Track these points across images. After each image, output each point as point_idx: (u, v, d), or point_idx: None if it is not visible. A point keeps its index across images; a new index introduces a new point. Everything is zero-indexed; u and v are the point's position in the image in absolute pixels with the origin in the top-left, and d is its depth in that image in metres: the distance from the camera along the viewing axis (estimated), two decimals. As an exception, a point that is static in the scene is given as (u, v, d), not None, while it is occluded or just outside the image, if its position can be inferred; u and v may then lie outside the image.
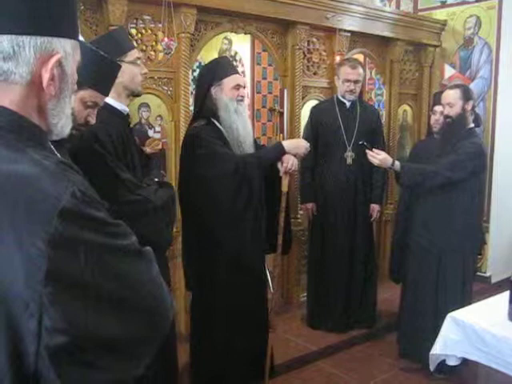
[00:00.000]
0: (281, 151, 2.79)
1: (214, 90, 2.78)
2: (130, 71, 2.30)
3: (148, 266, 0.88)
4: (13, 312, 0.72)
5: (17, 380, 0.73)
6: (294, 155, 2.83)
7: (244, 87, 2.85)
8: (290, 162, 2.77)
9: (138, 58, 2.37)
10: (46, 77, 0.86)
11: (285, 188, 2.86)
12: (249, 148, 2.80)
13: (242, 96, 2.80)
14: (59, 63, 0.88)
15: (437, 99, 3.68)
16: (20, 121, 0.86)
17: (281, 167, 2.79)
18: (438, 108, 3.58)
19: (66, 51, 0.90)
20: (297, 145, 2.86)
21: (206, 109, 2.80)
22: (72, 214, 0.75)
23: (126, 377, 0.83)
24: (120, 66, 2.06)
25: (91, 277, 0.76)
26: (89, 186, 0.84)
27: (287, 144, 2.82)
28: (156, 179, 2.54)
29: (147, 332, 0.85)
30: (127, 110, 2.37)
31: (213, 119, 2.78)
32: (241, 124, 2.77)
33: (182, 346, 2.86)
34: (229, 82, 2.76)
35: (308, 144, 2.97)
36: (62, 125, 0.94)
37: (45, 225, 0.72)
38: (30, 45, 0.84)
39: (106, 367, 0.79)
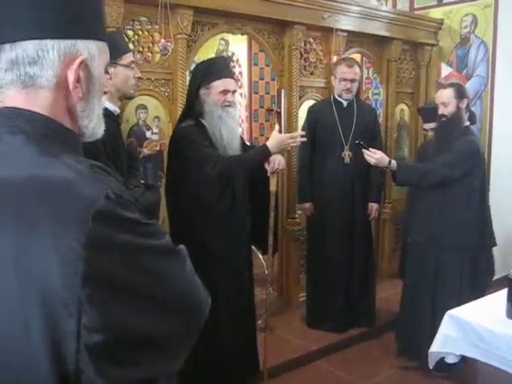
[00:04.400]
0: (266, 154, 2.77)
1: (202, 92, 2.77)
2: (123, 74, 2.32)
3: (183, 265, 0.89)
4: (53, 314, 0.73)
5: (59, 380, 0.73)
6: (280, 152, 2.82)
7: (234, 91, 2.81)
8: (276, 162, 2.77)
9: (133, 62, 2.40)
10: (71, 78, 0.87)
11: (273, 188, 2.85)
12: (234, 151, 2.79)
13: (229, 101, 2.76)
14: (85, 65, 0.89)
15: (424, 116, 3.78)
16: (52, 125, 0.86)
17: (268, 167, 2.78)
18: (427, 126, 3.68)
19: (91, 53, 0.90)
20: (281, 142, 2.80)
21: (194, 109, 2.79)
22: (106, 216, 0.76)
23: (163, 374, 0.84)
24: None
25: (127, 277, 0.77)
26: (123, 188, 0.85)
27: (271, 144, 2.77)
28: (142, 181, 2.54)
29: (183, 330, 0.86)
30: (118, 110, 2.40)
31: (201, 120, 2.78)
32: (225, 129, 2.75)
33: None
34: (217, 86, 2.73)
35: (292, 133, 2.97)
36: (94, 126, 0.95)
37: (80, 227, 0.73)
38: (53, 48, 0.85)
39: (144, 364, 0.79)
